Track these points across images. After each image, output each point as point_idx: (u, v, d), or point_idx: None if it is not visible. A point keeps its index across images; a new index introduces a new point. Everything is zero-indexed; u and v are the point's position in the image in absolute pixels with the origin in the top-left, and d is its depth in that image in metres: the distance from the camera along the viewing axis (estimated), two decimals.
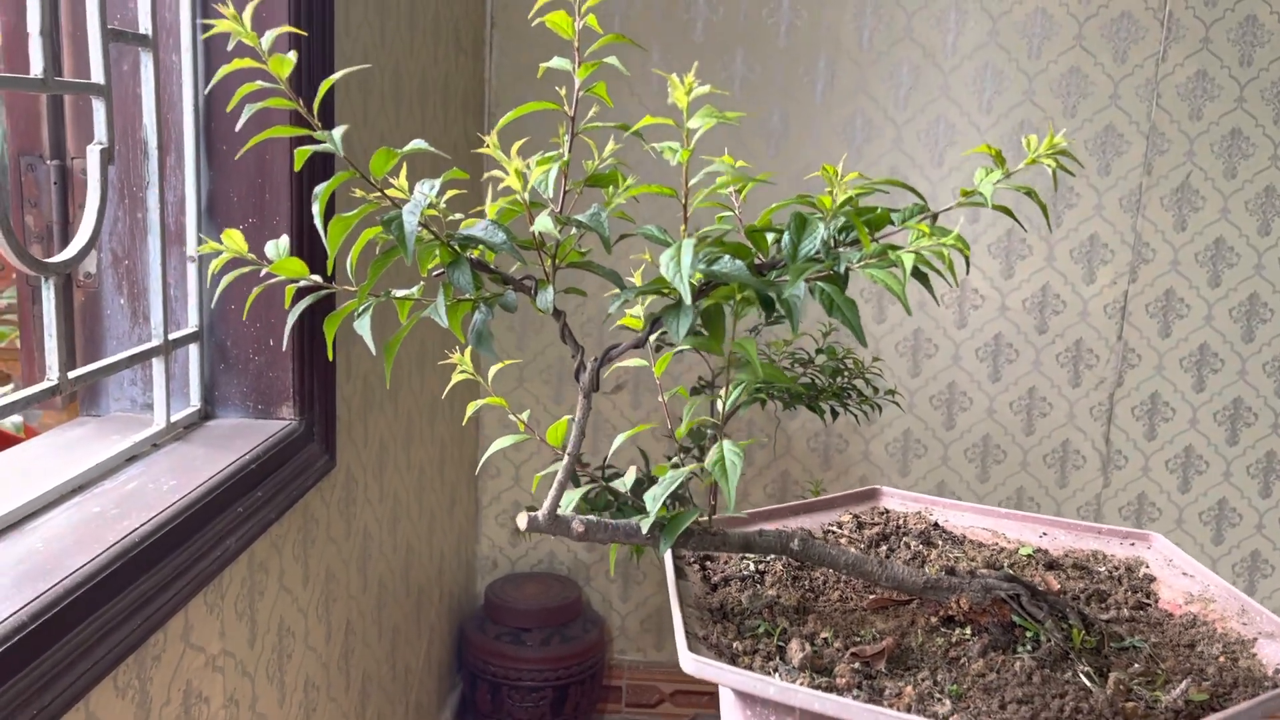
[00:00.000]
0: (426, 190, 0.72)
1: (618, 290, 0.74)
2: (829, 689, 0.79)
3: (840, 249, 0.73)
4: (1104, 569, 1.02)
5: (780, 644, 0.86)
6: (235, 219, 1.37)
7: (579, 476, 1.46)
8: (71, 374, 1.14)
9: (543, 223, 0.71)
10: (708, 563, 1.01)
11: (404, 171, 0.74)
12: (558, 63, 0.73)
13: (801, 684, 0.78)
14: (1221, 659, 0.85)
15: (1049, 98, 2.47)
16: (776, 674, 0.81)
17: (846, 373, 2.03)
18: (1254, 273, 2.53)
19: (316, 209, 0.69)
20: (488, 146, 0.74)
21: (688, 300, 0.68)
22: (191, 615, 1.14)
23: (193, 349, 1.42)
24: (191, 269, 1.39)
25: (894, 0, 2.45)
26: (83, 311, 1.41)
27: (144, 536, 1.04)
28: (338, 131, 0.69)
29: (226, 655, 1.24)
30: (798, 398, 1.96)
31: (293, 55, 0.71)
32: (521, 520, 0.81)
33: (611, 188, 0.75)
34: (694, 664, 0.77)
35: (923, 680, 0.81)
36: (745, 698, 0.79)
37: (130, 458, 1.26)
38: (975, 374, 2.61)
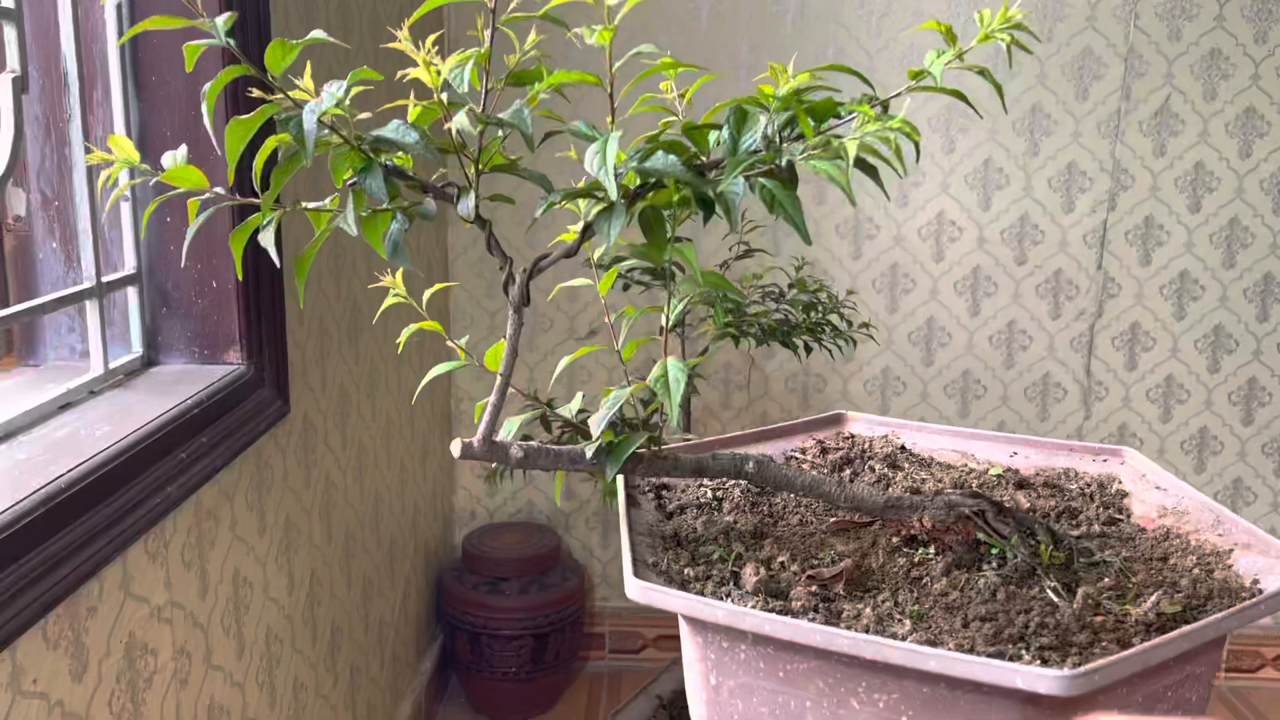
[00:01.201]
0: (334, 90, 0.66)
1: (544, 195, 0.69)
2: (784, 612, 0.75)
3: (785, 144, 0.68)
4: (1075, 486, 0.98)
5: (735, 569, 0.81)
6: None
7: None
8: None
9: (459, 121, 0.66)
10: (664, 491, 0.97)
11: (308, 71, 0.68)
12: None
13: (754, 608, 0.74)
14: (1196, 571, 0.81)
15: (1025, 22, 2.40)
16: (728, 599, 0.76)
17: (821, 307, 1.98)
18: (1235, 196, 2.48)
19: (205, 109, 0.64)
20: (400, 41, 0.68)
21: (614, 196, 0.63)
22: (131, 565, 1.10)
23: (131, 292, 1.36)
24: (125, 208, 1.33)
25: None
26: (14, 257, 1.35)
27: (71, 483, 0.99)
28: (222, 19, 0.63)
29: (174, 606, 1.19)
30: (771, 334, 1.92)
31: None
32: (455, 447, 0.76)
33: (535, 84, 0.69)
34: (639, 590, 0.73)
35: (883, 601, 0.77)
36: (695, 624, 0.75)
37: (64, 405, 1.21)
38: (954, 308, 2.57)
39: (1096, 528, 0.90)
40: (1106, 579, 0.80)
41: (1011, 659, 0.68)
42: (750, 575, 0.79)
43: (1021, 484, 0.99)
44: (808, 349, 1.94)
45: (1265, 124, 2.44)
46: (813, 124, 0.64)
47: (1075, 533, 0.89)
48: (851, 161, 0.61)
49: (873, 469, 1.01)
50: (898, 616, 0.75)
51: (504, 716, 2.51)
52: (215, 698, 1.30)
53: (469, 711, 2.53)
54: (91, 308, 1.26)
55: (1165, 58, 2.42)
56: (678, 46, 2.42)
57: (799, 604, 0.76)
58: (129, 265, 1.35)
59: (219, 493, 1.31)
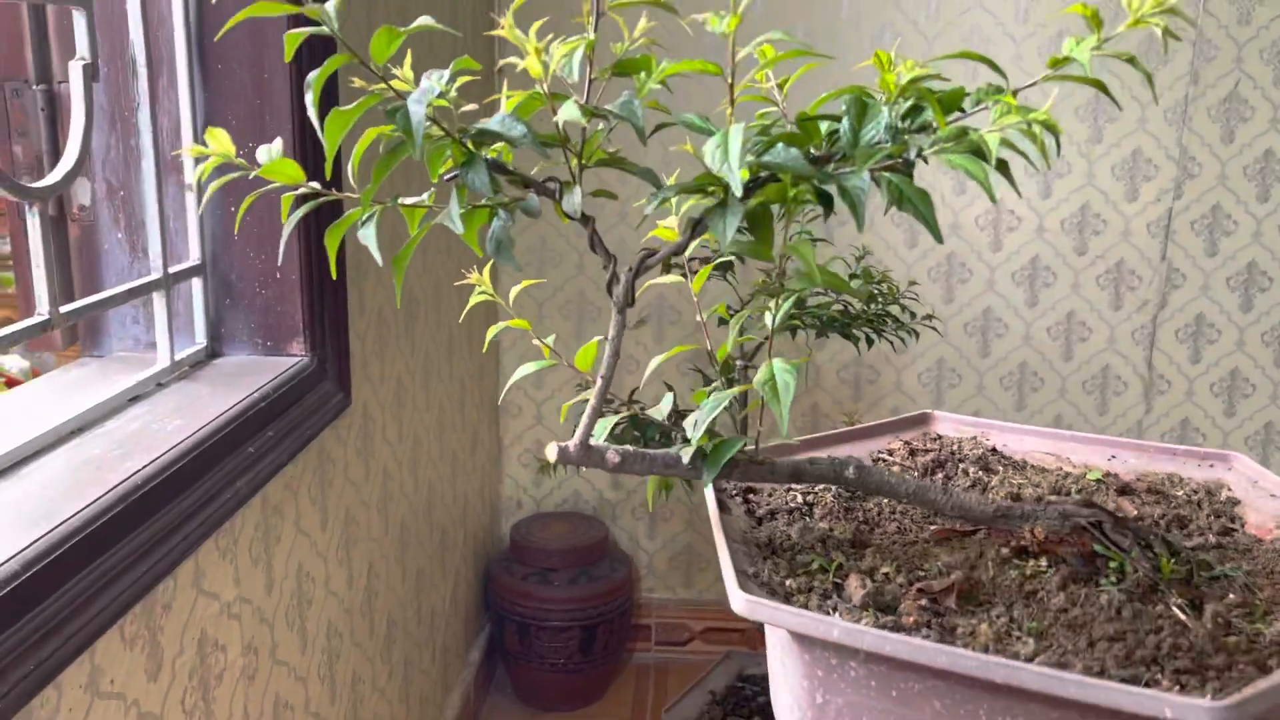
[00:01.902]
0: (436, 79, 0.63)
1: (654, 191, 0.66)
2: (895, 628, 0.71)
3: (907, 135, 0.64)
4: (1181, 493, 0.94)
5: (837, 580, 0.78)
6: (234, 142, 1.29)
7: (607, 408, 1.39)
8: (63, 308, 1.07)
9: (568, 111, 0.63)
10: (750, 495, 0.94)
11: (408, 60, 0.65)
12: None
13: (865, 624, 0.71)
14: None
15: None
16: (835, 613, 0.73)
17: (881, 298, 1.94)
18: None
19: (310, 99, 0.61)
20: (502, 28, 0.65)
21: (738, 192, 0.59)
22: (203, 561, 1.08)
23: (195, 283, 1.34)
24: (190, 199, 1.31)
25: None
26: (79, 246, 1.33)
27: (147, 479, 0.97)
28: (333, 4, 0.60)
29: (243, 602, 1.18)
30: (831, 324, 1.88)
31: None
32: (551, 451, 0.73)
33: (644, 74, 0.66)
34: (746, 604, 0.70)
35: (998, 617, 0.74)
36: (803, 640, 0.72)
37: (133, 397, 1.19)
38: (1011, 299, 2.51)
39: (1211, 538, 0.86)
40: (1232, 595, 0.77)
41: (1148, 684, 0.65)
42: (856, 587, 0.76)
43: (1124, 490, 0.95)
44: (869, 341, 1.90)
45: None
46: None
47: (1189, 543, 0.85)
48: (994, 155, 0.57)
49: (966, 472, 0.98)
50: (1017, 634, 0.71)
51: (551, 707, 2.50)
52: (280, 693, 1.29)
53: (516, 702, 2.52)
54: (159, 299, 1.25)
55: (1235, 41, 2.35)
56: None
57: (910, 619, 0.73)
58: (193, 256, 1.33)
59: (283, 487, 1.29)
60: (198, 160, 0.66)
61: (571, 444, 0.74)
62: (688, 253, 0.84)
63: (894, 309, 1.94)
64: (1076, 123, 2.40)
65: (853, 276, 1.88)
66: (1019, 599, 0.76)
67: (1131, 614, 0.72)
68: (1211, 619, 0.72)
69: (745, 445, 0.79)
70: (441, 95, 0.62)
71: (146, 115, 1.20)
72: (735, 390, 0.75)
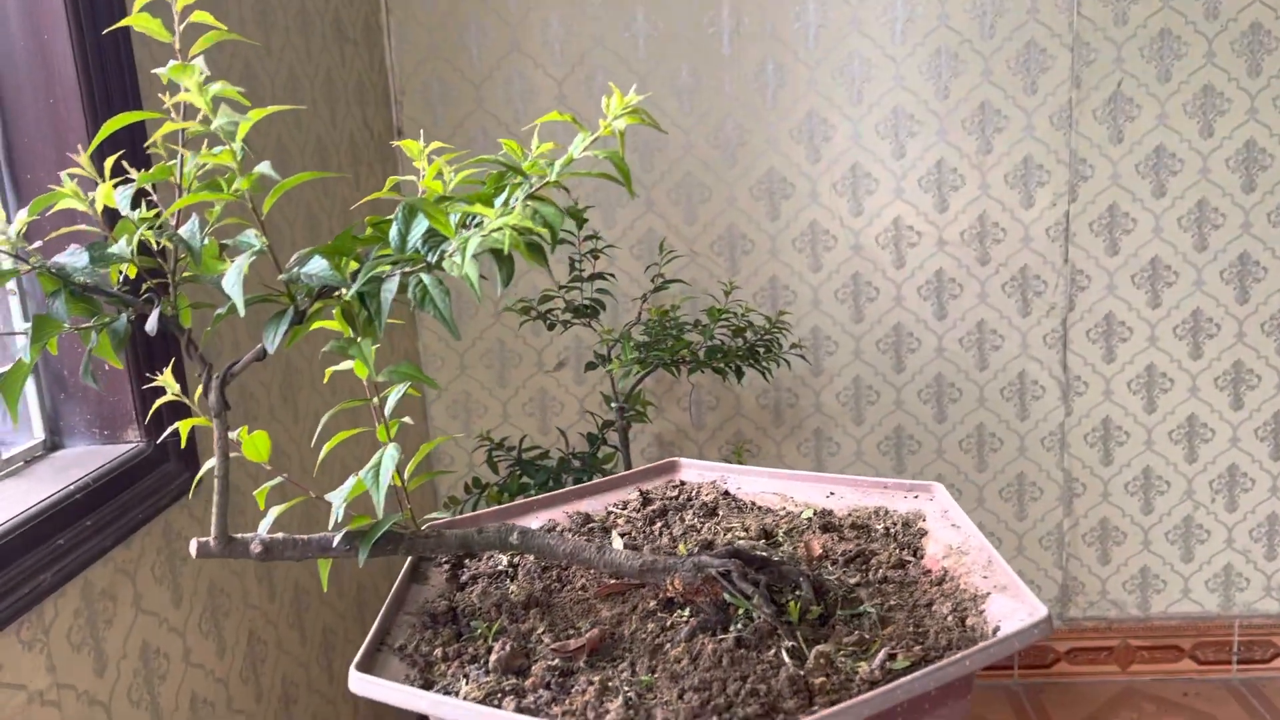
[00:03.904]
0: (11, 222, 0.69)
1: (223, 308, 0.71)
2: (516, 691, 0.76)
3: (452, 237, 0.69)
4: (882, 526, 0.97)
5: (491, 645, 0.82)
6: None
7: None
8: None
9: (120, 247, 0.69)
10: (467, 560, 0.98)
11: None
12: None
13: (483, 689, 0.75)
14: (950, 619, 0.80)
15: (964, 19, 2.36)
16: (465, 679, 0.77)
17: (753, 330, 1.98)
18: (1200, 177, 2.41)
19: None
20: (78, 168, 0.71)
21: (241, 310, 0.65)
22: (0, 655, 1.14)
23: (30, 380, 1.42)
24: (14, 301, 1.39)
25: None
26: None
27: None
28: None
29: (61, 688, 1.24)
30: (703, 363, 1.92)
31: None
32: (192, 548, 0.78)
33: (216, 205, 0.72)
34: (359, 682, 0.74)
35: (621, 672, 0.77)
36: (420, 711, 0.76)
37: None
38: (920, 313, 2.53)
39: (883, 572, 0.89)
40: (858, 632, 0.80)
41: None
42: (496, 652, 0.80)
43: (827, 526, 0.98)
44: (739, 373, 1.94)
45: (1226, 101, 2.37)
46: (453, 221, 0.65)
47: (855, 579, 0.89)
48: (466, 261, 0.62)
49: (682, 519, 1.01)
50: (624, 689, 0.75)
51: None
52: None
53: None
54: None
55: (1113, 42, 2.36)
56: (617, 75, 2.43)
57: (532, 680, 0.77)
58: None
59: (115, 570, 1.36)
60: None
61: (211, 539, 0.79)
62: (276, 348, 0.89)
63: (771, 338, 1.98)
64: (965, 135, 2.42)
65: (712, 312, 1.92)
66: (647, 652, 0.80)
67: (730, 661, 0.76)
68: (814, 660, 0.75)
69: (398, 521, 0.83)
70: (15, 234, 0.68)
71: None
72: (359, 476, 0.79)
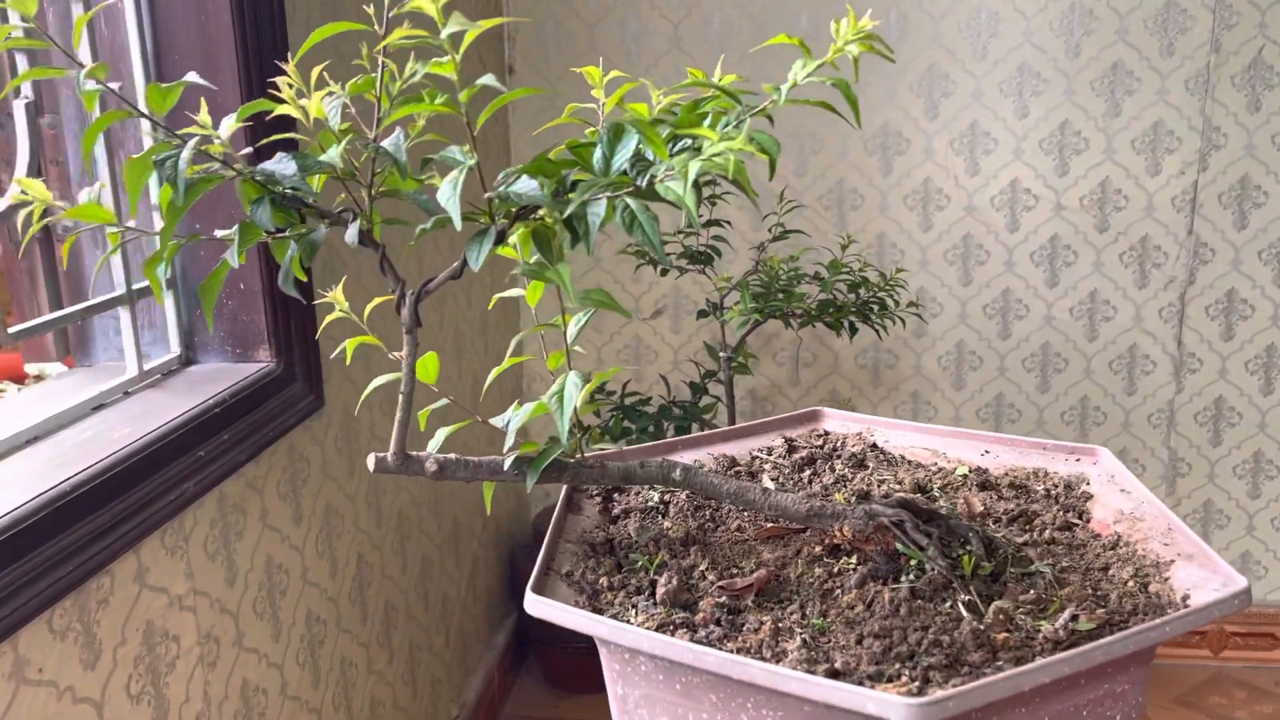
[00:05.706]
0: (228, 123, 0.69)
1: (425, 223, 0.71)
2: (686, 625, 0.75)
3: (657, 161, 0.67)
4: (1042, 487, 0.95)
5: (655, 578, 0.82)
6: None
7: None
8: (11, 329, 1.17)
9: (331, 155, 0.68)
10: (616, 494, 0.98)
11: (204, 108, 0.71)
12: None
13: (649, 622, 0.75)
14: (1131, 584, 0.78)
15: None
16: (634, 610, 0.77)
17: (868, 285, 1.95)
18: None
19: (84, 151, 0.68)
20: (287, 76, 0.71)
21: (458, 225, 0.64)
22: (146, 558, 1.17)
23: (169, 294, 1.44)
24: (156, 215, 1.41)
25: None
26: (70, 263, 1.45)
27: (77, 485, 1.07)
28: (87, 69, 0.67)
29: (197, 595, 1.27)
30: (816, 317, 1.89)
31: None
32: (370, 462, 0.79)
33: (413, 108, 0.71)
34: (535, 604, 0.74)
35: (790, 614, 0.77)
36: (600, 637, 0.76)
37: (98, 406, 1.29)
38: (1030, 279, 2.47)
39: (1049, 533, 0.87)
40: (1033, 591, 0.78)
41: (891, 679, 0.67)
42: (662, 585, 0.80)
43: (985, 485, 0.96)
44: (852, 329, 1.91)
45: None
46: (668, 145, 0.64)
47: (1022, 539, 0.87)
48: (688, 187, 0.61)
49: (833, 469, 1.00)
50: (798, 631, 0.74)
51: (577, 689, 2.57)
52: (248, 678, 1.38)
53: (544, 684, 2.60)
54: (124, 313, 1.35)
55: (1257, 7, 2.26)
56: (734, 20, 2.38)
57: (702, 615, 0.76)
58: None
59: (245, 485, 1.38)
60: (17, 206, 0.73)
61: (389, 454, 0.80)
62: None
63: (884, 296, 1.94)
64: (1093, 96, 2.34)
65: (830, 265, 1.89)
66: (815, 596, 0.79)
67: (908, 611, 0.74)
68: (993, 615, 0.74)
69: (566, 450, 0.83)
70: (218, 142, 0.68)
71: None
72: (539, 401, 0.79)
